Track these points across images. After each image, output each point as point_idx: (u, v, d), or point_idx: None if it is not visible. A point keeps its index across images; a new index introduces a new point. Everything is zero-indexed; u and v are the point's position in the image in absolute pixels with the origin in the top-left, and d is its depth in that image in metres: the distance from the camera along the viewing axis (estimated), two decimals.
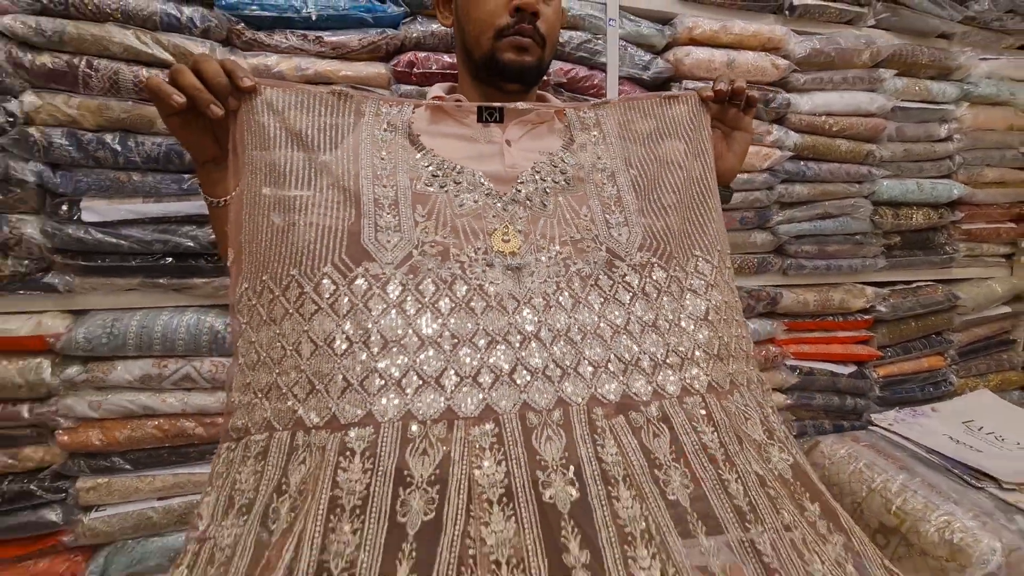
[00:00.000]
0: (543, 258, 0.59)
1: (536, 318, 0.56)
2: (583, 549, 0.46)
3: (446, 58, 0.99)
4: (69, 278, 0.89)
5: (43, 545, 0.89)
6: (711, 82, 0.69)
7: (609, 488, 0.51)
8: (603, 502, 0.49)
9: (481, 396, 0.51)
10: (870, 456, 1.13)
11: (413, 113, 0.65)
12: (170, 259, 0.92)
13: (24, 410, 0.87)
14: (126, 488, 0.91)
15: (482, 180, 0.61)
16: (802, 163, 1.23)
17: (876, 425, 1.25)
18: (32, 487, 0.88)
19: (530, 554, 0.45)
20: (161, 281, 0.92)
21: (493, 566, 0.44)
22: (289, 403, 0.48)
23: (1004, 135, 1.43)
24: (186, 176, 0.91)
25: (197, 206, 0.92)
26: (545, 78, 0.95)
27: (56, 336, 0.87)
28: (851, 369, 1.34)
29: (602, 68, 1.08)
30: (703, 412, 0.58)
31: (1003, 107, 1.41)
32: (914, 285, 1.40)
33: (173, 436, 0.92)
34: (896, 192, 1.33)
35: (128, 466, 0.91)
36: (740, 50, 1.17)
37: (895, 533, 1.00)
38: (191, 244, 0.91)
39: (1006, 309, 1.50)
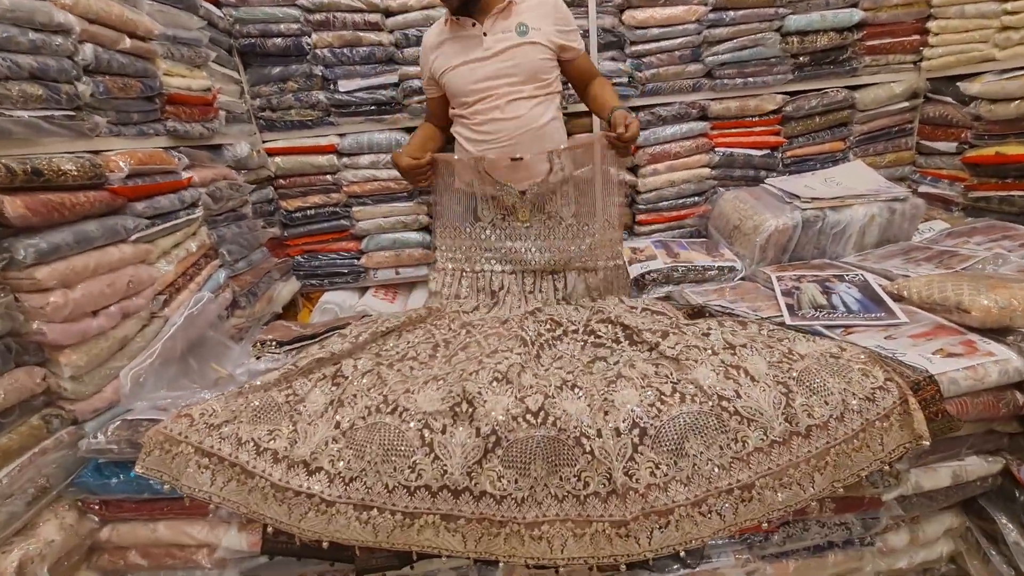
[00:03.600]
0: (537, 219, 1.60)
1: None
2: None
3: None
4: (336, 118, 2.02)
5: (343, 235, 2.16)
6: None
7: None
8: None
9: None
10: (745, 196, 1.95)
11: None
12: (374, 107, 2.00)
13: (329, 177, 2.07)
14: (372, 212, 2.11)
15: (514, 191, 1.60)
16: (722, 13, 1.91)
17: (764, 182, 2.04)
18: (336, 210, 2.12)
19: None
20: (372, 117, 2.01)
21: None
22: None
23: None
24: (377, 66, 1.94)
25: (384, 80, 1.96)
26: None
27: (335, 144, 2.03)
28: (764, 152, 2.09)
29: None
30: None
31: None
32: (822, 91, 2.04)
33: (383, 188, 2.08)
34: (802, 24, 1.93)
35: (370, 201, 2.11)
36: None
37: (737, 228, 1.87)
38: (383, 98, 1.98)
39: (905, 104, 2.07)
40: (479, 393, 1.03)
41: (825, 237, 1.76)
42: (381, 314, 1.52)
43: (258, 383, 1.15)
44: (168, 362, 1.24)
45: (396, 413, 1.04)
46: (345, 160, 2.05)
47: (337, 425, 1.05)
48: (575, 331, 1.37)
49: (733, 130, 2.08)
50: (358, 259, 2.16)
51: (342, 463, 1.00)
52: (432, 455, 0.98)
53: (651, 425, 0.99)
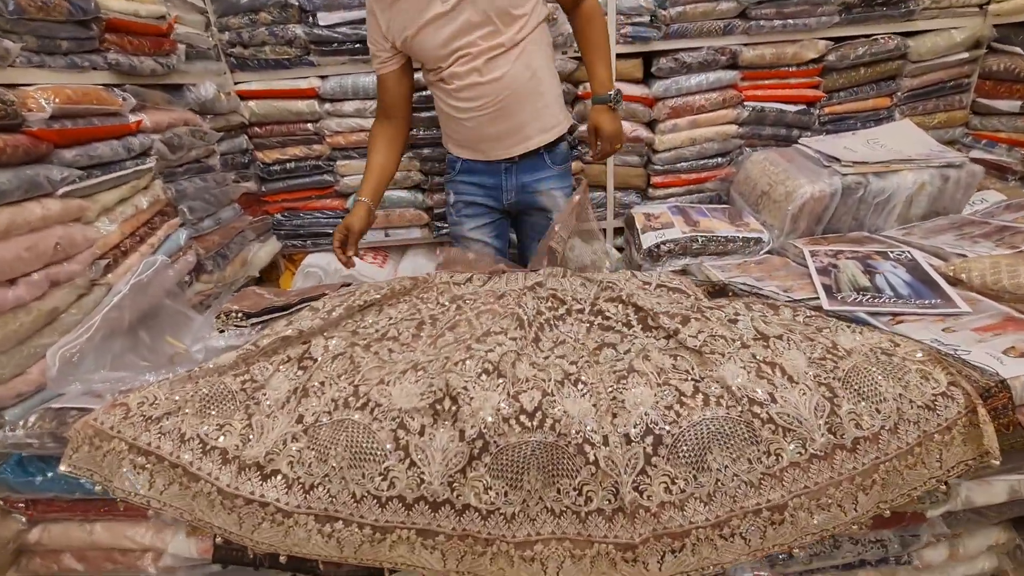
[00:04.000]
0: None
1: None
2: None
3: None
4: (317, 57, 1.78)
5: (326, 192, 1.96)
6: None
7: None
8: None
9: None
10: (776, 158, 1.73)
11: None
12: (359, 44, 1.76)
13: (310, 126, 1.85)
14: (359, 166, 1.90)
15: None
16: None
17: (798, 143, 1.81)
18: (319, 163, 1.91)
19: None
20: (357, 57, 1.78)
21: None
22: None
23: None
24: None
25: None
26: None
27: (317, 87, 1.80)
28: (799, 107, 1.86)
29: None
30: None
31: None
32: (872, 37, 1.78)
33: None
34: None
35: (356, 155, 1.89)
36: None
37: (766, 194, 1.67)
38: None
39: (965, 55, 1.81)
40: (465, 388, 0.87)
41: (866, 207, 1.56)
42: (361, 284, 1.34)
43: (211, 366, 0.99)
44: (112, 337, 1.08)
45: (367, 409, 0.88)
46: (327, 106, 1.83)
47: (300, 419, 0.90)
48: (580, 310, 1.20)
49: (766, 81, 1.84)
50: (343, 218, 1.96)
51: (302, 467, 0.85)
52: (407, 460, 0.83)
53: (668, 432, 0.83)
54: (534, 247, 1.66)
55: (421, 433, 0.85)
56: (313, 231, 1.99)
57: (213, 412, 0.91)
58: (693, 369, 0.92)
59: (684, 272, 1.54)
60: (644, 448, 0.83)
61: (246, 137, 1.83)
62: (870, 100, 1.86)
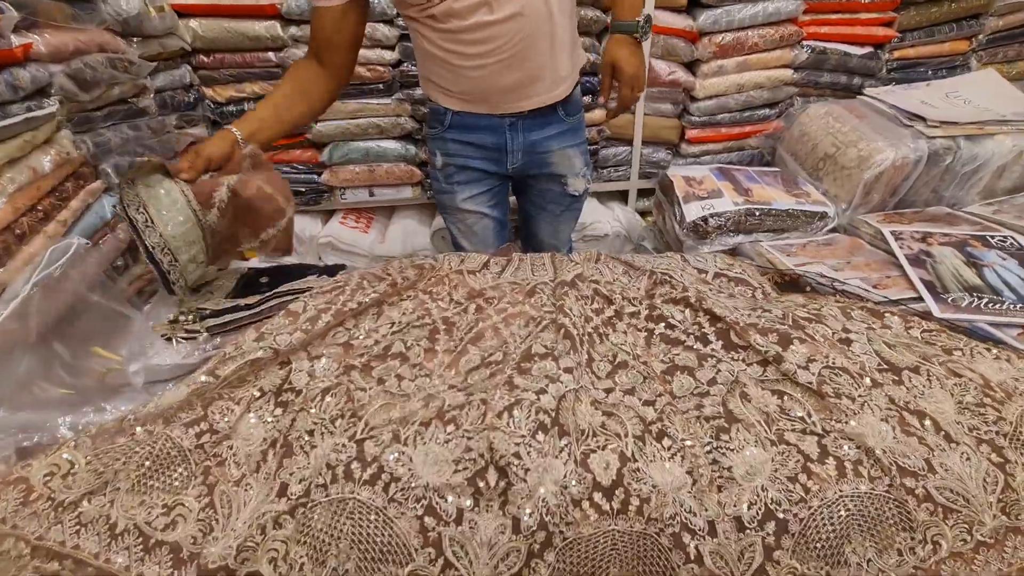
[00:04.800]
0: None
1: None
2: None
3: None
4: None
5: (296, 140, 1.60)
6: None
7: None
8: None
9: None
10: (840, 112, 1.46)
11: None
12: None
13: (272, 55, 1.47)
14: (335, 110, 1.53)
15: None
16: None
17: (864, 94, 1.54)
18: None
19: None
20: None
21: None
22: None
23: None
24: None
25: None
26: None
27: (278, 4, 1.40)
28: (866, 50, 1.57)
29: None
30: None
31: None
32: None
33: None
34: None
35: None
36: None
37: (830, 158, 1.41)
38: None
39: None
40: (516, 455, 0.63)
41: (950, 177, 1.33)
42: (351, 275, 1.05)
43: (152, 408, 0.71)
44: (9, 359, 0.79)
45: (379, 484, 0.63)
46: (293, 30, 1.44)
47: (283, 490, 0.65)
48: (633, 313, 0.95)
49: (832, 15, 1.53)
50: (319, 175, 1.63)
51: (292, 570, 0.60)
52: (441, 560, 0.60)
53: (795, 517, 0.62)
54: (543, 218, 1.38)
55: (459, 521, 0.61)
56: None
57: (156, 484, 0.65)
58: (810, 416, 0.70)
59: (734, 252, 1.30)
60: (763, 538, 0.61)
61: (189, 68, 1.44)
62: (947, 43, 1.58)
